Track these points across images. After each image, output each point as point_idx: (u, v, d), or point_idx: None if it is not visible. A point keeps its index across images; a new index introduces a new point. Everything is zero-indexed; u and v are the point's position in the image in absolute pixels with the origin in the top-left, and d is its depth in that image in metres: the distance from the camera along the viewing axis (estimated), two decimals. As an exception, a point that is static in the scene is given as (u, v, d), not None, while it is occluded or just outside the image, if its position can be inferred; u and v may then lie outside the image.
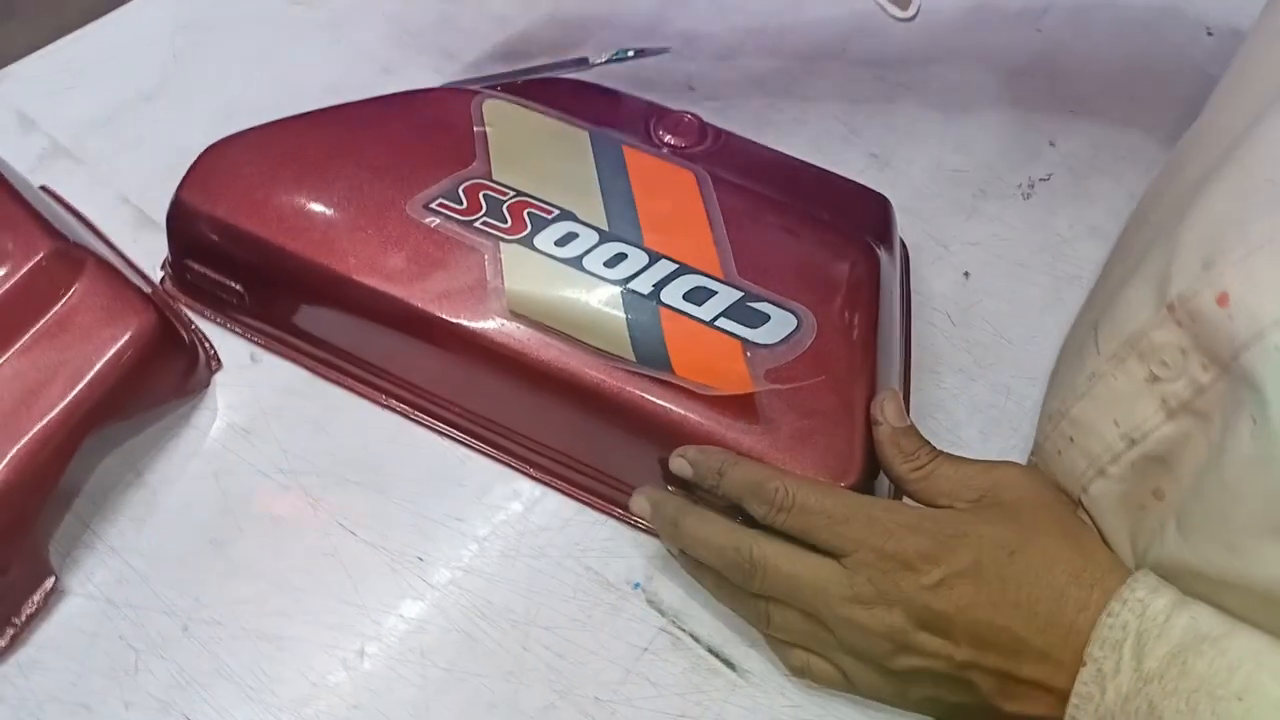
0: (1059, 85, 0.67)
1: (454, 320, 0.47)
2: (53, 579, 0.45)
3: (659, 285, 0.47)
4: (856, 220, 0.53)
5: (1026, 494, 0.41)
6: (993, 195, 0.61)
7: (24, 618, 0.44)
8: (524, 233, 0.48)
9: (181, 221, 0.52)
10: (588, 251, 0.48)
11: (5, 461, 0.43)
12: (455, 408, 0.50)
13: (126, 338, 0.47)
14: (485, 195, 0.50)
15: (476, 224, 0.49)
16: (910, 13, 0.71)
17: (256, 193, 0.51)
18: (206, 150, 0.53)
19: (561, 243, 0.48)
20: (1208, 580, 0.37)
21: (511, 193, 0.49)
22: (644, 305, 0.46)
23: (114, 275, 0.50)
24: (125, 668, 0.44)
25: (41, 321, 0.47)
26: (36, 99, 0.65)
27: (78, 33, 0.69)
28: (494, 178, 0.50)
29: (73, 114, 0.64)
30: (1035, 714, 0.38)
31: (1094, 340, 0.43)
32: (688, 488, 0.45)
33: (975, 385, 0.53)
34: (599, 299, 0.46)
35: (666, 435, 0.45)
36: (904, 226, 0.59)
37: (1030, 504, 0.41)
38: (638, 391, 0.45)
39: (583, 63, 0.69)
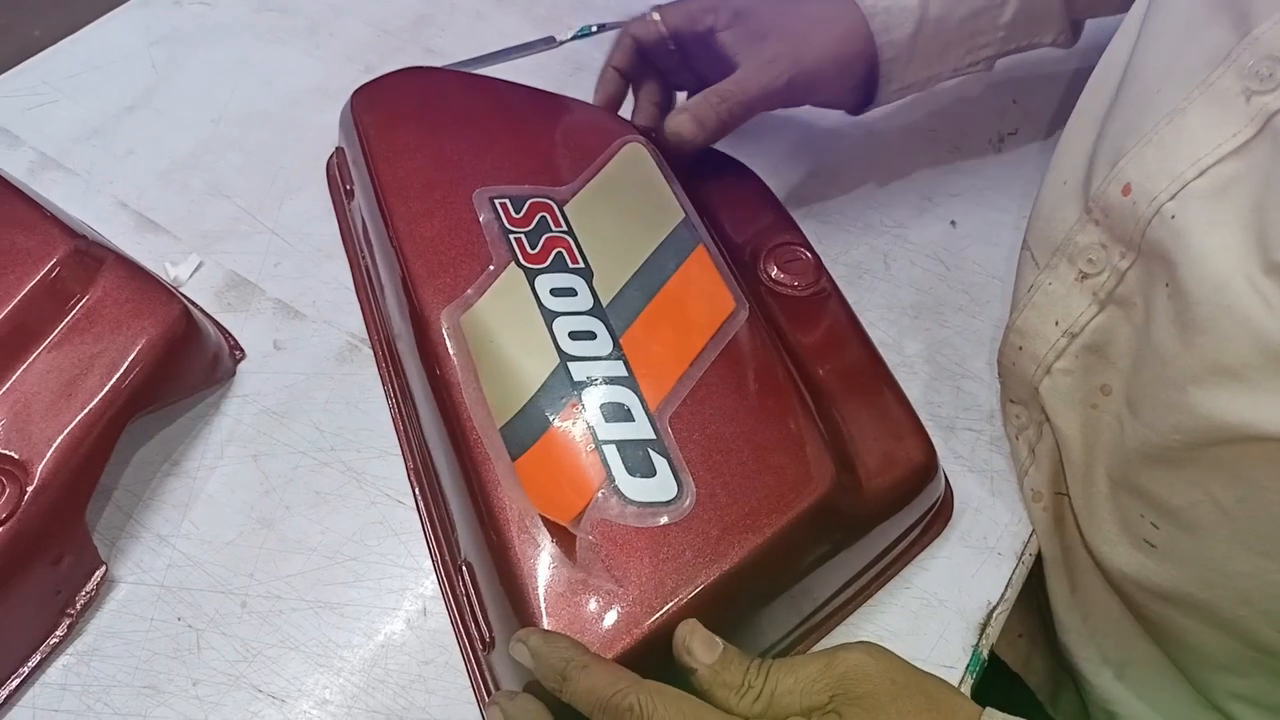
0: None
1: (420, 304, 0.46)
2: (103, 568, 0.45)
3: (589, 381, 0.42)
4: (884, 474, 0.44)
5: (879, 682, 0.36)
6: (967, 151, 0.64)
7: (79, 607, 0.44)
8: (537, 266, 0.46)
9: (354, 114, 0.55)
10: (568, 314, 0.45)
11: (52, 450, 0.43)
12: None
13: (156, 328, 0.48)
14: (541, 217, 0.48)
15: (511, 236, 0.47)
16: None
17: (400, 124, 0.53)
18: (402, 71, 0.57)
19: (556, 293, 0.45)
20: (1163, 458, 0.40)
21: (563, 228, 0.48)
22: (561, 389, 0.42)
23: (135, 270, 0.50)
24: (188, 647, 0.44)
25: (69, 317, 0.47)
26: (16, 114, 0.65)
27: (53, 49, 0.69)
28: (564, 208, 0.49)
29: (57, 127, 0.64)
30: None
31: (1030, 256, 0.47)
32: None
33: (976, 321, 0.56)
34: (532, 357, 0.43)
35: (482, 503, 0.41)
36: (889, 183, 0.62)
37: (886, 692, 0.36)
38: (481, 451, 0.41)
39: (550, 41, 0.71)
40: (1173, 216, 0.38)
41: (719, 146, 0.56)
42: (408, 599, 0.45)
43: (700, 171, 0.55)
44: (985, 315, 0.56)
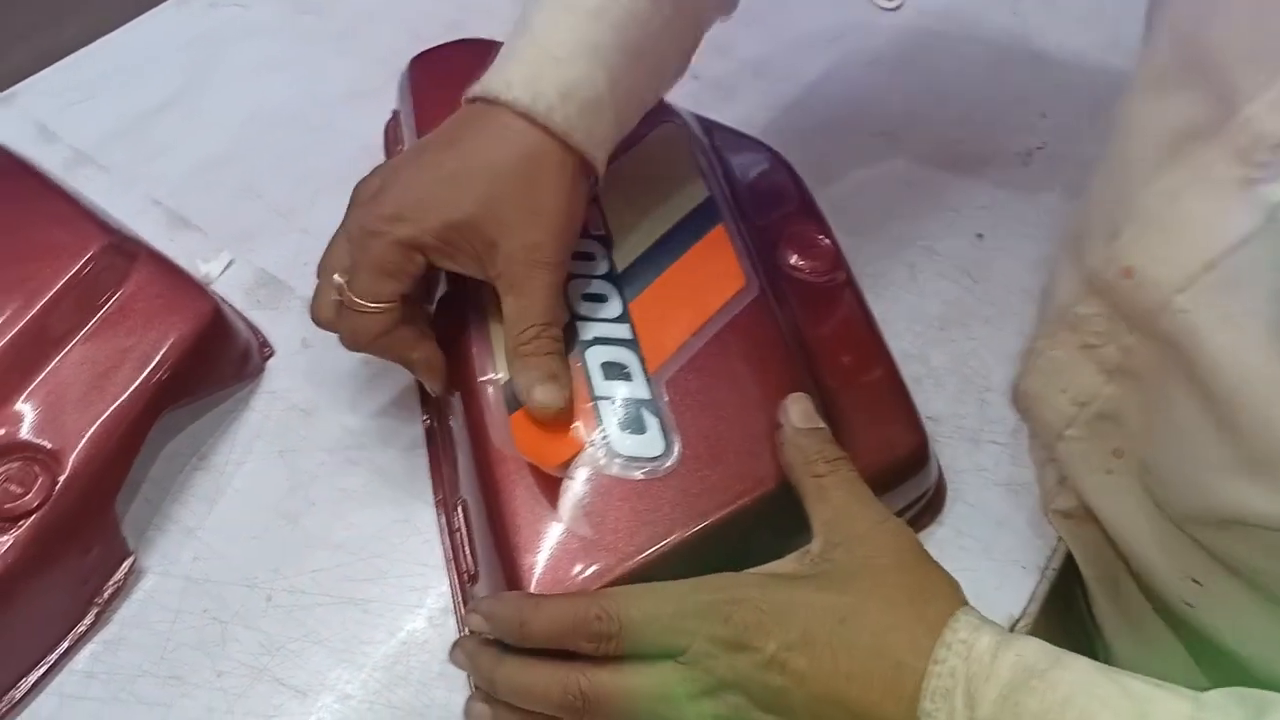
0: (1041, 62, 0.71)
1: None
2: (131, 559, 0.45)
3: (595, 341, 0.44)
4: (872, 456, 0.44)
5: (877, 556, 0.37)
6: (995, 164, 0.64)
7: (106, 596, 0.45)
8: None
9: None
10: (583, 277, 0.46)
11: (84, 441, 0.44)
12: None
13: (187, 324, 0.49)
14: None
15: None
16: (895, 3, 0.75)
17: (452, 90, 0.50)
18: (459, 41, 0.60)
19: (575, 257, 0.46)
20: (1189, 520, 0.39)
21: (591, 198, 0.48)
22: (567, 346, 0.44)
23: (167, 266, 0.51)
24: (213, 639, 0.44)
25: (102, 312, 0.48)
26: (54, 111, 0.66)
27: (90, 47, 0.70)
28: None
29: (92, 124, 0.65)
30: None
31: (1041, 308, 0.46)
32: None
33: (1002, 334, 0.56)
34: None
35: (479, 442, 0.43)
36: (916, 195, 0.62)
37: (876, 567, 0.37)
38: (484, 396, 0.44)
39: None
40: (1184, 310, 0.36)
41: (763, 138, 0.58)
42: (431, 597, 0.46)
43: (735, 156, 0.56)
44: (1011, 328, 0.56)
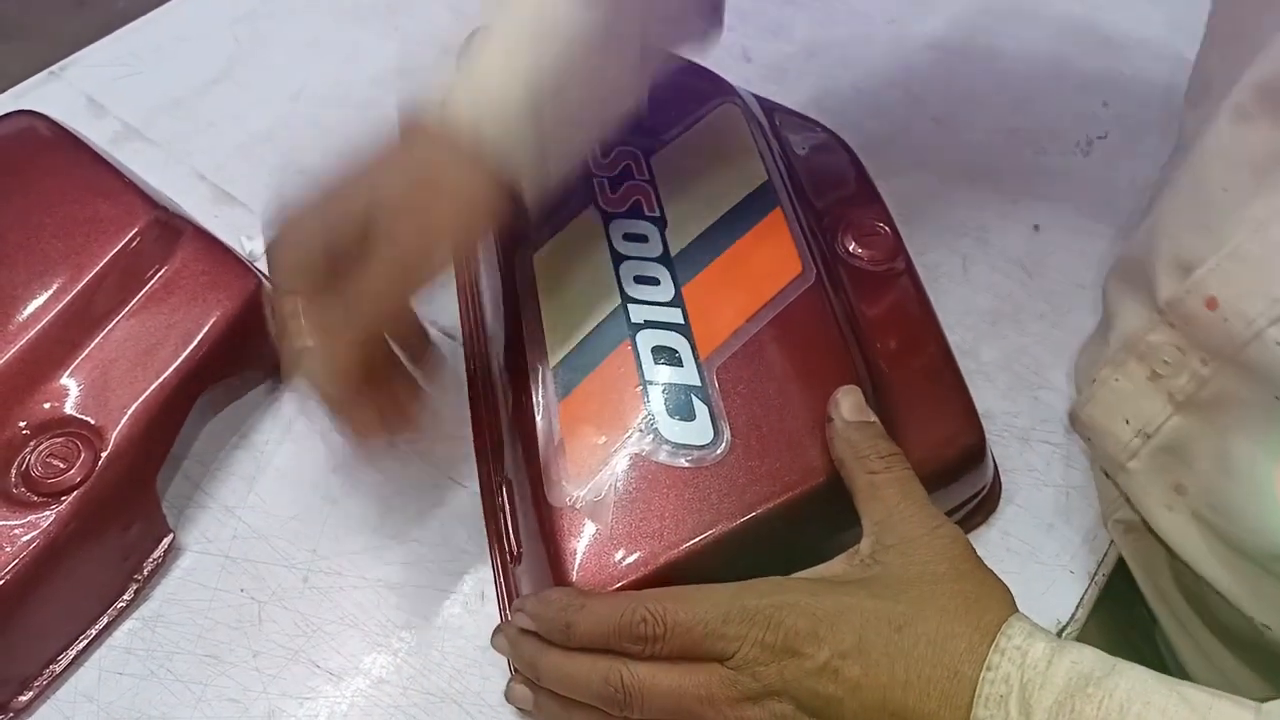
0: (1106, 49, 0.69)
1: (498, 244, 0.48)
2: (171, 536, 0.45)
3: (646, 324, 0.44)
4: (929, 451, 0.43)
5: (933, 562, 0.36)
6: (1053, 153, 0.63)
7: (146, 573, 0.45)
8: (614, 210, 0.48)
9: None
10: (636, 259, 0.46)
11: (126, 417, 0.44)
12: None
13: (231, 301, 0.48)
14: (626, 165, 0.49)
15: (594, 179, 0.49)
16: (955, -15, 0.73)
17: None
18: None
19: (628, 238, 0.47)
20: (1250, 554, 0.37)
21: (645, 177, 0.49)
22: (616, 331, 0.43)
23: (213, 242, 0.51)
24: (249, 618, 0.44)
25: (147, 287, 0.48)
26: (104, 84, 0.66)
27: (138, 21, 0.70)
28: (651, 158, 0.50)
29: (141, 98, 0.65)
30: None
31: (1103, 332, 0.44)
32: None
33: (1057, 330, 0.54)
34: (593, 297, 0.45)
35: (524, 423, 0.43)
36: (971, 184, 0.61)
37: (931, 574, 0.36)
38: (531, 374, 0.43)
39: None
40: (1278, 342, 0.35)
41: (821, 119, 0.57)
42: (467, 583, 0.45)
43: (796, 138, 0.56)
44: (1067, 324, 0.54)
